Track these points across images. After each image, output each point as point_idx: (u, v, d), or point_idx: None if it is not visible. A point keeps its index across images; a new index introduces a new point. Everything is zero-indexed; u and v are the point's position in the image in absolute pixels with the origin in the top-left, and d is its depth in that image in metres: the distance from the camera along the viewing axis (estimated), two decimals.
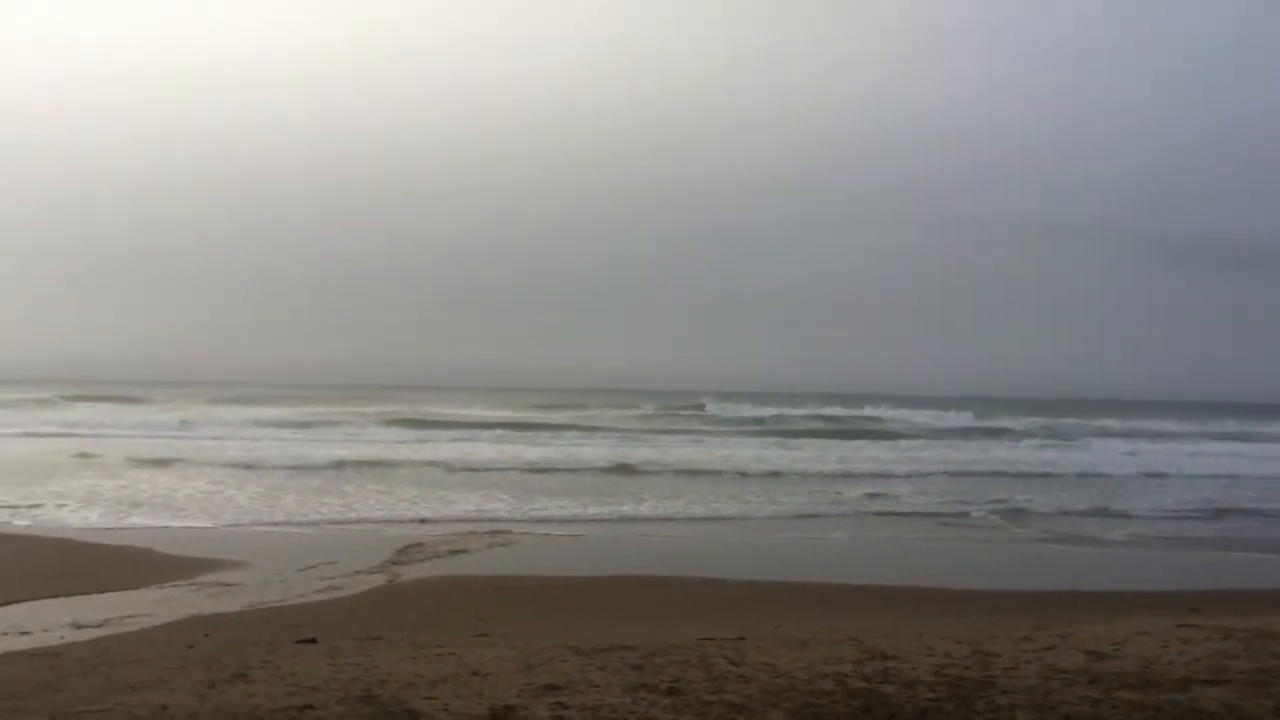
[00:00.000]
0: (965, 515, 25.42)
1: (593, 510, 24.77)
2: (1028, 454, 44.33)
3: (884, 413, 66.63)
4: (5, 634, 11.77)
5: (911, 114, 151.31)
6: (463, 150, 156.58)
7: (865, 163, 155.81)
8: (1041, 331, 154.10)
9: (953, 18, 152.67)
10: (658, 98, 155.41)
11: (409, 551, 18.59)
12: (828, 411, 66.46)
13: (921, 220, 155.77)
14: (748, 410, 68.49)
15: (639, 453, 40.67)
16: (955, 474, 34.95)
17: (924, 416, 64.95)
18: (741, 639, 11.04)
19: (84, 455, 35.43)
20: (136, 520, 21.70)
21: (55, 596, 13.98)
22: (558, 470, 34.41)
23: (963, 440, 52.03)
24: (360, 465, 33.92)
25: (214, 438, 44.97)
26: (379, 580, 15.99)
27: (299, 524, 21.89)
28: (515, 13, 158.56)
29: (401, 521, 22.50)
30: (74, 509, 22.85)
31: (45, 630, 12.03)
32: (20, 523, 20.95)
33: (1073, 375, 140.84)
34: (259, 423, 52.66)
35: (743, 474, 33.79)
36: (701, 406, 72.21)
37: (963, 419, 64.15)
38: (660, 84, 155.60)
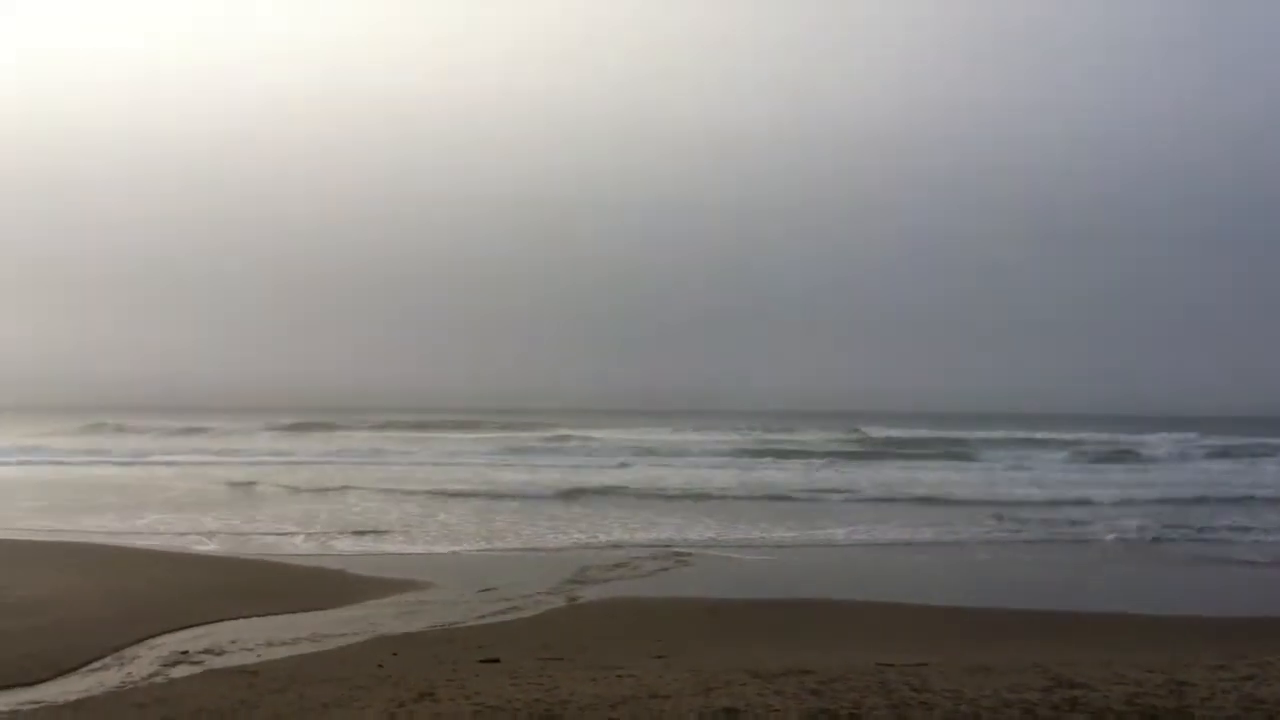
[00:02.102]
0: (1154, 539, 24.55)
1: (774, 534, 24.69)
2: (1235, 475, 42.65)
3: (1080, 434, 64.26)
4: (207, 651, 12.30)
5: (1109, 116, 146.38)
6: (609, 172, 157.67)
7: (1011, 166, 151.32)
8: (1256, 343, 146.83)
9: (1099, 23, 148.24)
10: (821, 108, 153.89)
11: (588, 573, 18.81)
12: (1004, 434, 64.46)
13: (1082, 229, 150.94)
14: (917, 431, 66.94)
15: (818, 475, 40.64)
16: (1154, 498, 33.25)
17: (1124, 436, 62.63)
18: (923, 665, 10.86)
19: (279, 483, 36.81)
20: (334, 543, 22.46)
21: (254, 616, 14.53)
22: (739, 496, 34.38)
23: (1151, 462, 50.14)
24: (545, 488, 34.45)
25: (410, 464, 46.41)
26: (559, 601, 16.21)
27: (484, 546, 22.33)
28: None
29: (583, 545, 22.78)
30: (286, 533, 23.71)
31: (245, 649, 12.52)
32: (225, 546, 21.84)
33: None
34: (454, 451, 53.97)
35: (923, 500, 33.04)
36: (856, 429, 70.50)
37: (1157, 441, 61.65)
38: (821, 100, 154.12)
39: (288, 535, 23.37)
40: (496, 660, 11.44)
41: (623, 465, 45.71)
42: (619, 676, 10.30)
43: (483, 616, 14.86)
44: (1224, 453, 55.72)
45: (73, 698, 9.90)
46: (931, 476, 41.17)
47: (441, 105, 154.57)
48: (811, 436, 65.21)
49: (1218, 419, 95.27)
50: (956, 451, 55.21)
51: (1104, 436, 62.56)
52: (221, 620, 14.15)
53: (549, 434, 65.47)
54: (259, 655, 12.18)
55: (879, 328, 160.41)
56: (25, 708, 9.49)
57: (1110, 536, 24.77)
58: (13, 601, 14.64)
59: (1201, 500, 32.85)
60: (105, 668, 11.45)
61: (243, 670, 11.13)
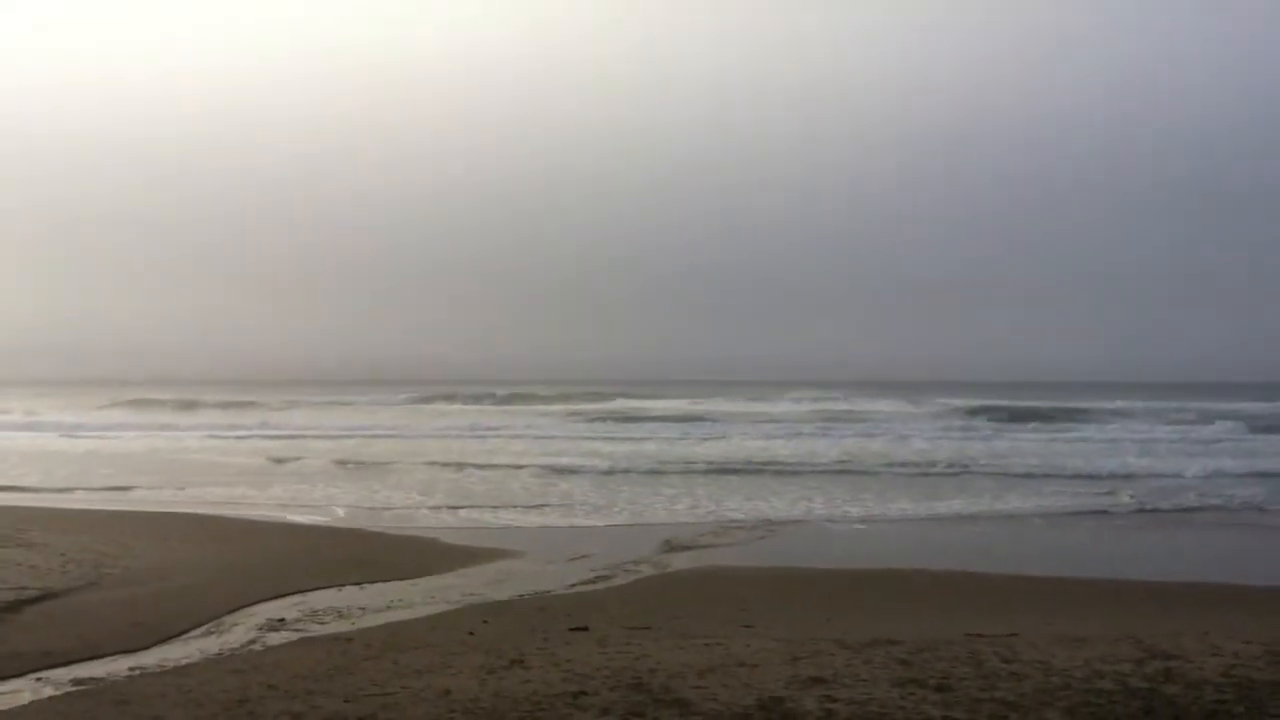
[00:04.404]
0: (1251, 509, 24.06)
1: (867, 505, 24.60)
2: None
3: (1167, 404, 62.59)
4: (303, 619, 12.57)
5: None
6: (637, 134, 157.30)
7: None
8: None
9: None
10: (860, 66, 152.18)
11: (676, 543, 18.88)
12: (1089, 404, 62.59)
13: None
14: (998, 401, 64.53)
15: (913, 446, 40.33)
16: (1250, 471, 32.13)
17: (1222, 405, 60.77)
18: (1013, 635, 10.78)
19: (359, 456, 37.43)
20: (427, 514, 22.82)
21: (348, 585, 14.78)
22: (824, 468, 34.24)
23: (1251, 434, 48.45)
24: (636, 459, 34.66)
25: (495, 437, 46.92)
26: (647, 570, 16.30)
27: (575, 516, 22.51)
28: None
29: (675, 516, 22.84)
30: (380, 506, 24.07)
31: (340, 616, 12.77)
32: (319, 516, 22.24)
33: None
34: (529, 424, 54.29)
35: (1015, 471, 32.39)
36: (936, 400, 67.38)
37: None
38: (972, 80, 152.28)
39: (381, 507, 23.73)
40: (586, 628, 11.55)
41: (719, 437, 45.20)
42: (707, 645, 10.36)
43: (573, 585, 14.99)
44: None
45: (173, 664, 10.18)
46: (1021, 447, 40.61)
47: (501, 81, 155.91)
48: (888, 407, 63.40)
49: None
50: (1048, 422, 53.68)
51: (1224, 406, 60.34)
52: (317, 589, 14.42)
53: (613, 405, 65.51)
54: (353, 623, 12.41)
55: (939, 296, 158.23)
56: (127, 674, 9.78)
57: (1202, 507, 24.31)
58: (118, 571, 15.05)
59: None
60: (204, 635, 11.75)
61: (337, 637, 11.36)
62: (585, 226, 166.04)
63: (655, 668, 9.31)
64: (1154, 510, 23.96)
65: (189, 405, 69.31)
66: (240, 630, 11.99)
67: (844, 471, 32.14)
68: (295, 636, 11.56)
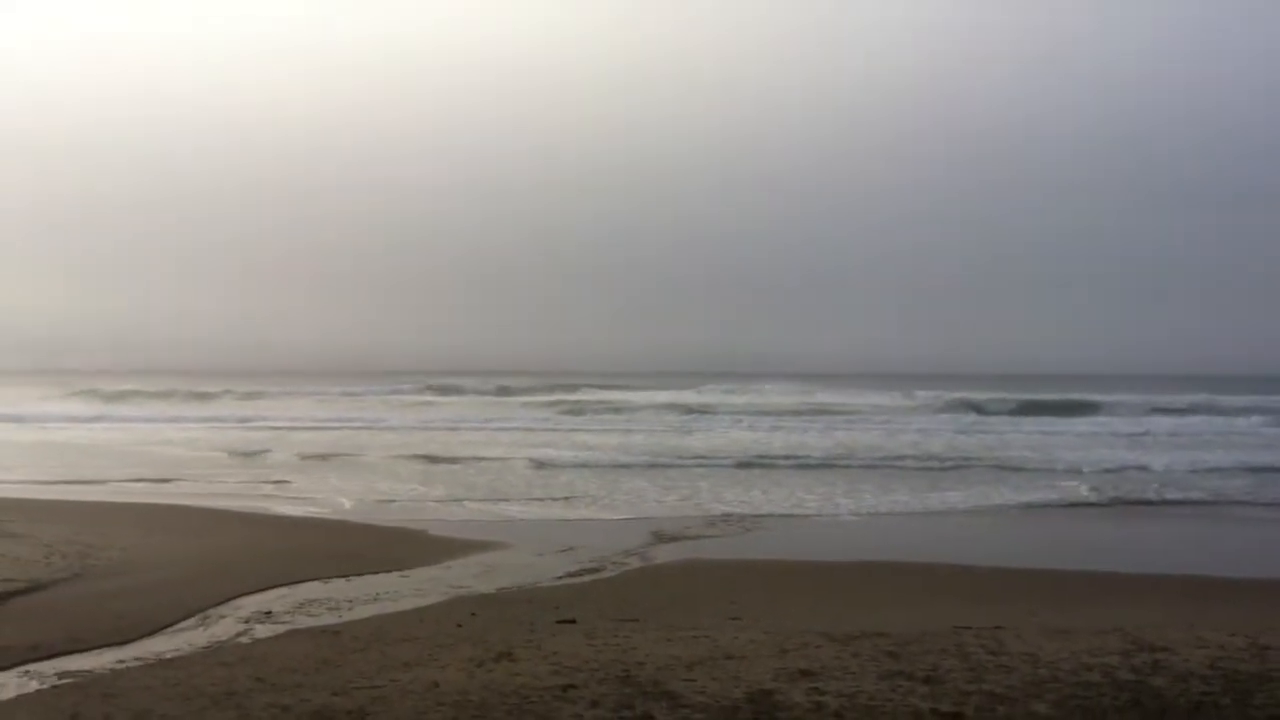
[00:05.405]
0: (1237, 502, 24.14)
1: (850, 498, 24.63)
2: None
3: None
4: (291, 611, 12.54)
5: None
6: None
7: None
8: None
9: None
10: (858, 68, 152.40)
11: (664, 535, 18.89)
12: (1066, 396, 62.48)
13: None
14: (978, 395, 64.39)
15: (900, 439, 40.35)
16: (1238, 465, 31.97)
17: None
18: (999, 628, 10.80)
19: (350, 447, 37.34)
20: (417, 506, 22.80)
21: (336, 577, 14.74)
22: (806, 461, 34.25)
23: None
24: (623, 452, 34.68)
25: (501, 428, 46.92)
26: (634, 563, 16.31)
27: (563, 509, 22.52)
28: None
29: (662, 509, 22.85)
30: (367, 497, 24.12)
31: (328, 609, 12.75)
32: (308, 508, 22.20)
33: None
34: (507, 416, 54.24)
35: (997, 465, 32.26)
36: (914, 392, 66.69)
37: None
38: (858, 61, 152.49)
39: (369, 499, 23.70)
40: (573, 621, 11.55)
41: (706, 429, 45.22)
42: (694, 637, 10.36)
43: (560, 578, 14.99)
44: None
45: (161, 657, 10.14)
46: (1011, 439, 40.69)
47: (520, 70, 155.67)
48: (881, 400, 63.22)
49: None
50: (1042, 415, 53.67)
51: (1222, 400, 59.91)
52: (305, 581, 14.38)
53: (596, 396, 65.44)
54: (341, 615, 12.39)
55: (935, 292, 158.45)
56: (114, 667, 9.75)
57: (1187, 500, 24.40)
58: (103, 563, 15.00)
59: None
60: (191, 627, 11.71)
61: (325, 630, 11.34)
62: (552, 220, 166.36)
63: (643, 660, 9.31)
64: (1140, 502, 24.05)
65: (165, 395, 68.71)
66: (228, 622, 11.96)
67: (833, 465, 32.07)
68: (283, 629, 11.54)
